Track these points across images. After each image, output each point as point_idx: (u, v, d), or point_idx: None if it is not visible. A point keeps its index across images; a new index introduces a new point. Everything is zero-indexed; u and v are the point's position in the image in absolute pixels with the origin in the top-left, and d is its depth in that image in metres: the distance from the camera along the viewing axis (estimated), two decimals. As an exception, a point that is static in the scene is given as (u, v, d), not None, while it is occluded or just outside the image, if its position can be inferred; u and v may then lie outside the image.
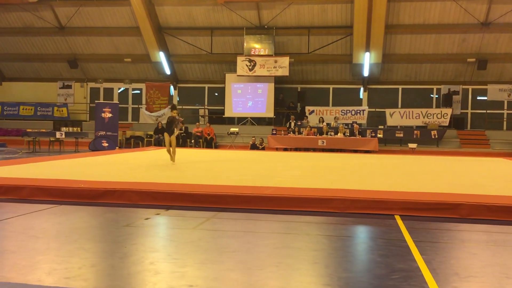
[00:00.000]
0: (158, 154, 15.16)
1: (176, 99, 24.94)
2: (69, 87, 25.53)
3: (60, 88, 25.60)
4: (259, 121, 23.78)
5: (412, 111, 22.01)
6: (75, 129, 20.76)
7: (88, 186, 7.04)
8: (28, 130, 19.66)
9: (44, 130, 20.28)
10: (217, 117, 24.00)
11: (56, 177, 8.03)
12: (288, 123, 22.01)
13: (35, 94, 25.53)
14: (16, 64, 25.81)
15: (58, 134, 18.92)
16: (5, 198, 6.89)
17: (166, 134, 11.61)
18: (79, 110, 25.24)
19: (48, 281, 3.49)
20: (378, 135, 20.58)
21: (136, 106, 25.09)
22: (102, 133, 19.62)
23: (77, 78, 25.58)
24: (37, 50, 25.02)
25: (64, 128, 20.35)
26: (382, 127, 21.77)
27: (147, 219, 5.83)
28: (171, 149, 11.57)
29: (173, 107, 11.89)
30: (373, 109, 23.01)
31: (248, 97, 23.37)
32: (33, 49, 24.99)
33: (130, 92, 25.62)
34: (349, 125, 21.32)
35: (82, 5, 22.66)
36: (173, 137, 11.61)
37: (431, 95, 23.54)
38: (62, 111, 24.63)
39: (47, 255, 4.20)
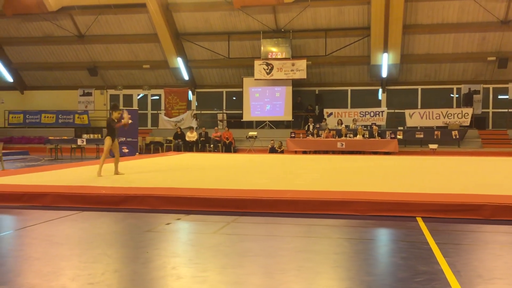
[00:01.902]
0: (178, 159, 15.27)
1: (194, 104, 25.08)
2: (90, 94, 25.87)
3: (80, 95, 25.95)
4: (277, 124, 23.77)
5: (432, 112, 21.77)
6: (96, 135, 20.99)
7: (110, 192, 7.12)
8: (50, 137, 19.95)
9: (65, 138, 20.56)
10: (236, 121, 24.05)
11: (78, 184, 8.13)
12: (306, 126, 21.96)
13: (56, 102, 25.91)
14: (37, 73, 26.24)
15: (79, 141, 19.18)
16: (28, 205, 7.00)
17: (108, 138, 9.83)
18: (100, 117, 25.52)
19: (72, 287, 3.54)
20: (398, 136, 20.39)
21: (155, 112, 25.29)
22: (123, 139, 19.80)
23: (97, 86, 25.90)
24: (58, 59, 25.40)
25: (85, 135, 20.61)
26: (401, 128, 21.56)
27: (168, 224, 5.86)
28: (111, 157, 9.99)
29: (114, 108, 10.19)
30: (392, 110, 22.82)
31: (266, 101, 23.38)
32: (54, 57, 25.39)
33: (149, 98, 25.84)
34: (368, 126, 21.17)
35: (101, 13, 22.96)
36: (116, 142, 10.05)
37: (451, 95, 23.26)
38: (83, 118, 24.96)
39: (71, 261, 4.26)
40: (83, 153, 19.56)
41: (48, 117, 25.22)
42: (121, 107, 22.56)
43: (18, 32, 24.61)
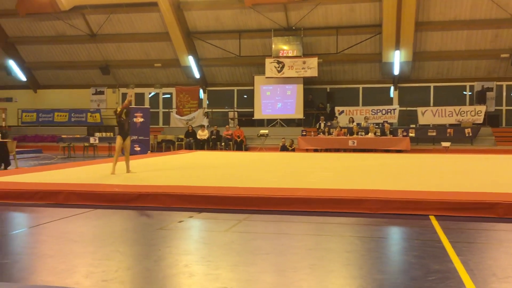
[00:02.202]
0: (189, 158, 15.32)
1: (205, 103, 25.13)
2: (102, 93, 26.02)
3: (93, 94, 26.12)
4: (288, 122, 23.74)
5: (445, 109, 21.60)
6: (108, 134, 21.12)
7: (122, 190, 7.17)
8: (63, 136, 20.11)
9: (78, 136, 20.73)
10: (247, 120, 24.06)
11: (91, 182, 8.20)
12: (318, 124, 21.90)
13: (69, 100, 26.11)
14: (50, 72, 26.45)
15: (92, 140, 19.31)
16: (42, 203, 7.07)
17: (119, 137, 9.85)
18: (112, 115, 25.62)
19: (86, 284, 3.57)
20: (410, 134, 20.26)
21: (167, 110, 25.37)
22: (134, 137, 19.91)
23: (109, 84, 26.04)
24: (70, 58, 25.58)
25: (98, 133, 20.75)
26: (414, 126, 21.43)
27: (180, 222, 5.89)
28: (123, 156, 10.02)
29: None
30: (404, 108, 22.67)
31: (277, 99, 23.35)
32: (66, 56, 25.57)
33: (161, 96, 25.94)
34: (380, 124, 21.05)
35: (113, 12, 23.07)
36: (128, 140, 9.96)
37: (464, 92, 23.07)
38: (95, 116, 25.13)
39: (84, 259, 4.29)
40: (95, 151, 19.71)
41: (61, 115, 25.43)
42: (133, 106, 22.73)
43: (31, 31, 24.82)
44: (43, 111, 25.78)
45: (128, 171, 9.91)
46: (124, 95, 25.86)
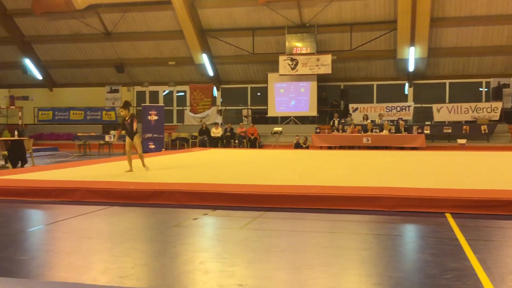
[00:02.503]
0: (204, 155, 15.37)
1: (219, 100, 25.18)
2: (117, 91, 26.21)
3: (108, 92, 26.32)
4: (302, 120, 23.69)
5: (461, 106, 21.38)
6: (123, 132, 21.25)
7: (138, 188, 7.22)
8: (79, 134, 20.32)
9: (93, 134, 20.91)
10: (260, 117, 24.06)
11: (106, 179, 8.27)
12: (331, 121, 21.84)
13: (84, 99, 26.34)
14: (65, 71, 26.70)
15: (107, 137, 19.48)
16: (59, 201, 7.15)
17: (127, 137, 9.97)
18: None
19: (103, 280, 3.61)
20: (425, 131, 20.12)
21: (181, 108, 25.48)
22: (149, 135, 20.04)
23: (123, 82, 26.22)
24: (85, 56, 25.80)
25: (113, 131, 20.90)
26: (429, 123, 21.24)
27: (195, 219, 5.92)
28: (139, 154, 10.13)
29: (125, 105, 9.97)
30: (419, 105, 22.50)
31: (291, 96, 23.32)
32: (82, 55, 25.79)
33: (175, 94, 26.05)
34: (395, 121, 20.93)
35: (127, 10, 23.20)
36: (136, 139, 9.96)
37: (480, 89, 22.81)
38: (110, 114, 25.32)
39: (101, 255, 4.33)
40: (110, 149, 19.86)
41: (76, 113, 25.67)
42: (147, 104, 22.86)
43: (47, 30, 25.07)
44: (59, 109, 26.05)
45: (144, 165, 9.98)
46: (138, 93, 26.04)
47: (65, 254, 4.39)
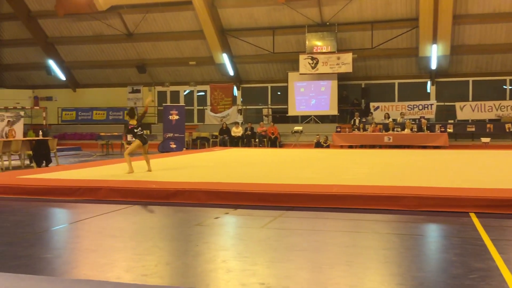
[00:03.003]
0: (224, 154, 15.42)
1: (239, 100, 25.22)
2: (138, 91, 26.45)
3: (129, 92, 26.56)
4: (323, 119, 23.59)
5: (484, 104, 21.04)
6: (144, 131, 21.45)
7: (160, 187, 7.28)
8: (102, 133, 20.57)
9: (116, 134, 21.15)
10: (281, 116, 24.03)
11: (129, 179, 8.36)
12: (352, 120, 21.70)
13: (107, 99, 26.64)
14: (88, 71, 27.05)
15: (129, 137, 19.66)
16: (83, 199, 7.26)
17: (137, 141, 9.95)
18: (148, 113, 26.00)
19: (126, 278, 3.65)
20: (448, 130, 19.84)
21: (201, 107, 25.59)
22: (170, 135, 20.20)
23: (145, 83, 26.45)
24: (108, 57, 26.09)
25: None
26: (452, 121, 20.95)
27: (216, 218, 5.95)
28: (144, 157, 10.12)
29: (131, 114, 10.07)
30: (442, 103, 22.20)
31: (311, 95, 23.23)
32: (104, 56, 26.09)
33: (195, 94, 26.18)
34: (417, 120, 20.70)
35: (148, 11, 23.39)
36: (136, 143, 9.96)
37: (504, 87, 22.40)
38: (132, 114, 25.53)
39: (125, 253, 4.39)
40: (132, 149, 20.03)
41: (99, 113, 25.99)
42: (168, 104, 23.03)
43: (70, 31, 25.43)
44: (82, 109, 26.41)
45: (149, 169, 9.84)
46: (160, 93, 26.23)
47: (89, 252, 4.46)
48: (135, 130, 9.81)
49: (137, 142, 9.92)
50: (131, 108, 10.25)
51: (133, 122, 9.80)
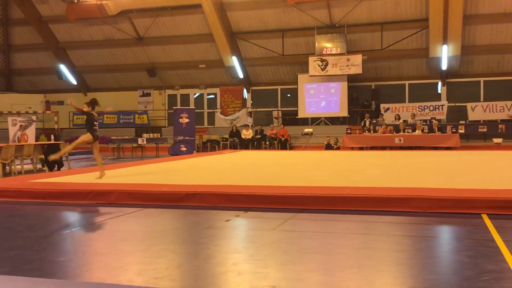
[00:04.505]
0: (235, 157, 15.43)
1: (249, 102, 25.26)
2: (148, 95, 26.59)
3: (140, 96, 26.72)
4: (333, 120, 23.55)
5: (496, 104, 20.88)
6: (155, 135, 21.60)
7: (171, 190, 7.31)
8: (113, 137, 20.69)
9: (127, 137, 21.27)
10: (291, 118, 24.03)
11: (140, 182, 8.40)
12: (362, 122, 21.64)
13: (118, 103, 26.72)
14: (99, 75, 27.24)
15: (140, 140, 19.80)
16: (94, 203, 7.30)
17: (88, 135, 9.22)
18: (158, 116, 26.21)
19: (138, 281, 3.66)
20: (460, 131, 19.71)
21: (211, 110, 25.66)
22: (181, 138, 20.27)
23: (155, 86, 26.59)
24: (118, 61, 26.26)
25: (145, 134, 21.25)
26: (463, 122, 20.82)
27: (227, 221, 5.95)
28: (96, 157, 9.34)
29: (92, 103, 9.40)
30: (453, 104, 22.07)
31: (321, 97, 23.21)
32: (114, 60, 26.26)
33: (205, 97, 26.26)
34: (428, 121, 20.58)
35: (158, 15, 23.52)
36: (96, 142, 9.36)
37: (516, 87, 22.23)
38: (142, 118, 25.70)
39: (136, 257, 4.41)
40: (143, 152, 20.16)
41: (110, 117, 26.15)
42: (178, 107, 23.09)
43: (81, 36, 25.64)
44: (93, 113, 26.53)
45: (102, 174, 9.24)
46: (170, 96, 26.34)
47: (101, 255, 4.48)
48: (95, 123, 9.28)
49: (88, 136, 9.17)
50: (94, 98, 9.70)
51: (95, 113, 9.26)
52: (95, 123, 9.29)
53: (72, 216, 6.80)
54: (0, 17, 26.43)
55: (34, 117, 19.63)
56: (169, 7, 22.92)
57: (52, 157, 9.84)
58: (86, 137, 9.17)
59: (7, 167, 12.48)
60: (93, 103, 9.37)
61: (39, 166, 13.73)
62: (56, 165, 13.10)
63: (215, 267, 4.10)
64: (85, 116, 9.45)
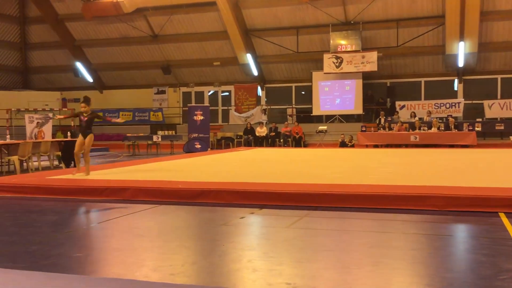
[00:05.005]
0: (249, 154, 15.45)
1: (264, 99, 25.25)
2: (163, 92, 26.71)
3: (155, 93, 26.85)
4: (347, 118, 23.44)
5: (514, 102, 20.61)
6: (170, 132, 21.70)
7: (186, 187, 7.34)
8: (128, 134, 20.83)
9: (142, 134, 21.39)
10: (305, 116, 23.97)
11: (156, 179, 8.45)
12: (377, 119, 21.50)
13: (133, 100, 26.97)
14: (114, 73, 27.43)
15: (155, 138, 19.91)
16: (111, 199, 7.37)
17: (80, 136, 9.41)
18: (173, 114, 26.32)
19: (154, 277, 3.70)
20: (476, 129, 19.48)
21: (226, 108, 25.70)
22: (195, 135, 20.34)
23: (170, 84, 26.69)
24: (133, 59, 26.41)
25: (160, 131, 21.34)
26: (480, 119, 20.58)
27: (242, 218, 5.97)
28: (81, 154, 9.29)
29: (86, 100, 9.54)
30: (470, 101, 21.82)
31: (335, 95, 23.10)
32: (130, 57, 26.42)
33: (220, 94, 26.30)
34: (444, 119, 20.38)
35: (173, 13, 23.61)
36: (89, 139, 9.33)
37: (534, 84, 21.91)
38: (157, 115, 25.83)
39: (152, 253, 4.44)
40: (158, 149, 20.27)
41: (125, 115, 26.29)
42: (192, 104, 23.15)
43: (97, 34, 25.84)
44: (109, 110, 26.72)
45: (86, 171, 9.31)
46: (184, 94, 26.44)
47: (118, 251, 4.53)
48: (82, 117, 9.33)
49: (92, 137, 9.36)
50: (86, 96, 9.78)
51: (86, 108, 9.37)
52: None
53: (89, 212, 6.87)
54: (17, 16, 26.74)
55: (50, 114, 19.81)
56: (184, 4, 22.98)
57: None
58: (90, 139, 9.36)
59: (25, 164, 12.64)
60: (88, 100, 9.58)
61: (55, 162, 13.88)
62: (72, 162, 13.22)
63: (230, 264, 4.12)
64: (87, 116, 9.49)
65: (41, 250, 4.48)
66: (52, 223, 5.88)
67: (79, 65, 26.90)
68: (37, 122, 18.08)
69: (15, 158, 11.64)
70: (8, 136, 15.86)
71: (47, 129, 18.14)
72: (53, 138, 18.00)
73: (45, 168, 12.74)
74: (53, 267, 3.94)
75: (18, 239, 4.94)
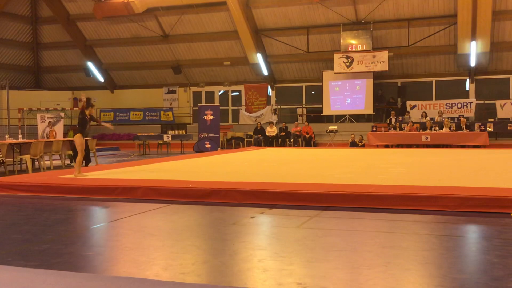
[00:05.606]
0: (259, 154, 15.45)
1: (274, 99, 25.23)
2: (174, 92, 26.79)
3: (165, 93, 26.94)
4: (358, 118, 23.35)
5: (526, 102, 20.40)
6: (180, 132, 21.75)
7: (196, 186, 7.36)
8: (139, 134, 20.91)
9: (152, 134, 21.47)
10: (315, 116, 23.92)
11: (166, 178, 8.48)
12: (388, 119, 21.39)
13: (143, 100, 27.08)
14: (125, 73, 27.57)
15: (165, 137, 19.97)
16: (121, 198, 7.40)
17: (79, 136, 9.47)
18: (183, 113, 26.40)
19: (165, 276, 3.71)
20: (488, 129, 19.30)
21: (236, 107, 25.72)
22: (205, 135, 20.38)
23: (180, 83, 26.77)
24: (144, 59, 26.53)
25: (171, 131, 21.40)
26: (492, 120, 20.40)
27: (252, 217, 5.97)
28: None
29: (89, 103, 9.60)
30: (482, 101, 21.65)
31: (346, 94, 23.03)
32: (140, 57, 26.53)
33: (230, 94, 26.32)
34: (455, 119, 20.23)
35: (184, 13, 23.67)
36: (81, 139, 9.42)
37: (547, 84, 21.68)
38: (168, 115, 25.92)
39: (163, 252, 4.46)
40: (168, 149, 20.34)
41: (136, 114, 26.44)
42: (203, 104, 23.20)
43: (108, 34, 25.99)
44: (119, 110, 26.90)
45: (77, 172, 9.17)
46: (195, 94, 26.50)
47: (129, 250, 4.54)
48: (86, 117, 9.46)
49: (80, 137, 9.48)
50: (89, 98, 9.86)
51: (90, 110, 9.55)
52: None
53: (100, 211, 6.91)
54: (29, 16, 26.96)
55: (62, 114, 19.94)
56: (195, 4, 23.03)
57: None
58: (79, 138, 9.44)
59: (36, 163, 12.74)
60: (90, 103, 9.68)
61: (67, 162, 13.98)
62: (84, 161, 13.30)
63: (241, 263, 4.12)
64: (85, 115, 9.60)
65: (53, 249, 4.52)
66: (63, 222, 5.92)
67: (90, 65, 27.06)
68: (49, 122, 18.18)
69: (27, 157, 11.75)
70: (20, 136, 15.99)
71: (59, 129, 18.25)
72: (64, 137, 18.12)
73: (57, 167, 12.84)
74: (64, 265, 3.97)
75: (30, 238, 4.99)
